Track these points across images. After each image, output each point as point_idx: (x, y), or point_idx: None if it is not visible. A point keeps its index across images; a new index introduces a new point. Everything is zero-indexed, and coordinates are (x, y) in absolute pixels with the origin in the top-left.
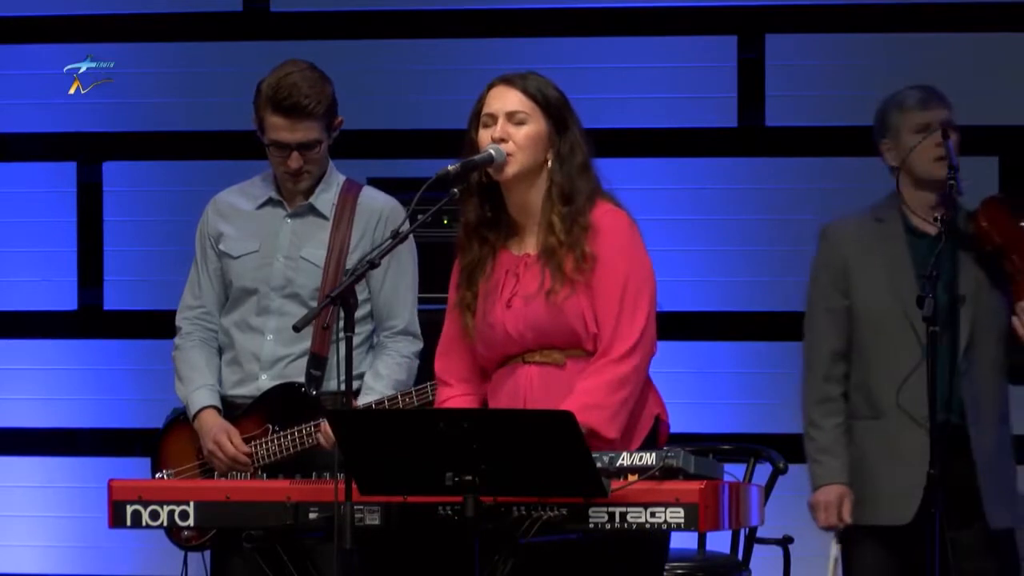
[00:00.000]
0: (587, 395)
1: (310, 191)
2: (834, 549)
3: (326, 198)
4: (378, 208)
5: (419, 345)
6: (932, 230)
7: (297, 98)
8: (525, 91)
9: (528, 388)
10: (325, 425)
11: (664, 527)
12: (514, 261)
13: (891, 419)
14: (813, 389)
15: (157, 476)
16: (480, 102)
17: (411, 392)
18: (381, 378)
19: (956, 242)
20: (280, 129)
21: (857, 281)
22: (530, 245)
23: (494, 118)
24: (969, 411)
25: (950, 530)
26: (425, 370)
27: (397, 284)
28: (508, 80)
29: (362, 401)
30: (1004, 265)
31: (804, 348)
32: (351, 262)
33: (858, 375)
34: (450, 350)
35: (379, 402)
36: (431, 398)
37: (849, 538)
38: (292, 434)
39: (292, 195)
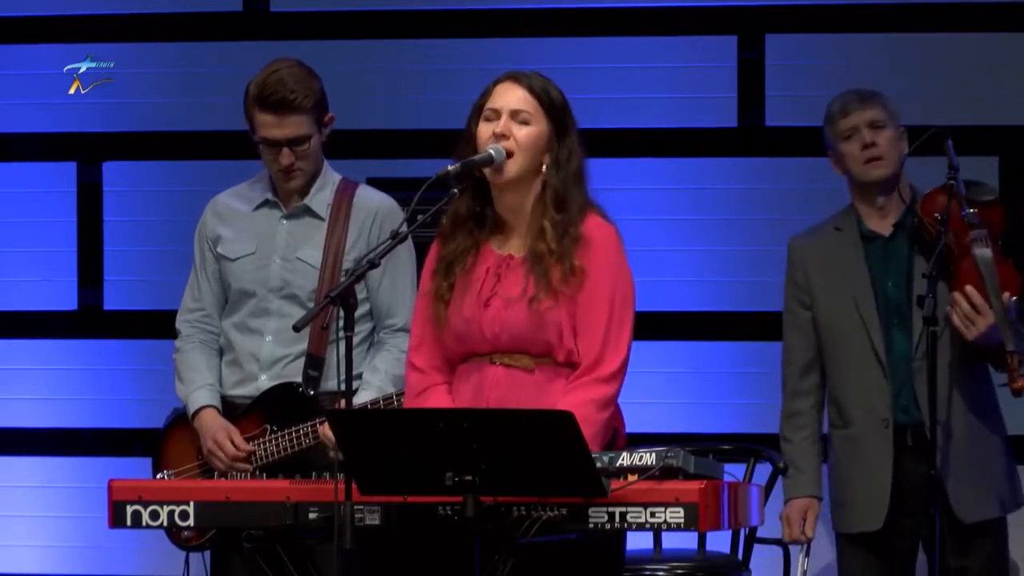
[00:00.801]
0: (577, 409)
1: (305, 191)
2: (802, 562)
3: (321, 198)
4: (373, 207)
5: None
6: (885, 232)
7: (283, 93)
8: (530, 90)
9: (493, 389)
10: (325, 427)
11: (664, 527)
12: (496, 260)
13: (856, 427)
14: (784, 405)
15: (158, 476)
16: (484, 96)
17: (404, 392)
18: (379, 372)
19: (911, 241)
20: (269, 126)
21: (817, 292)
22: (514, 246)
23: (497, 113)
24: (925, 409)
25: (924, 529)
26: None
27: (396, 282)
28: (514, 77)
29: (360, 397)
30: (945, 255)
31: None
32: (348, 262)
33: (830, 385)
34: (424, 339)
35: (374, 401)
36: None
37: (838, 545)
38: (290, 434)
39: (288, 196)
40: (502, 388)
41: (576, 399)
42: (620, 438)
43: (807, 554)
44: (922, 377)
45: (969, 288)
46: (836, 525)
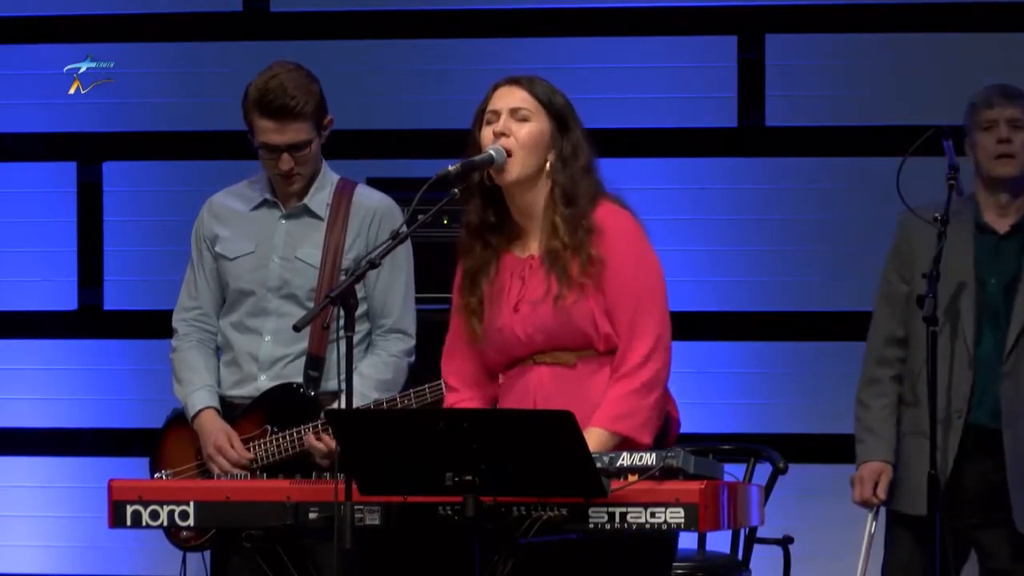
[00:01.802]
0: (616, 404)
1: (304, 191)
2: (870, 525)
3: (320, 198)
4: (372, 207)
5: (410, 342)
6: (1001, 229)
7: (284, 100)
8: (530, 91)
9: (539, 388)
10: (310, 437)
11: (664, 527)
12: (519, 264)
13: (923, 410)
14: (865, 371)
15: (155, 476)
16: (485, 101)
17: (410, 394)
18: (363, 378)
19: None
20: (269, 132)
21: (919, 270)
22: (534, 247)
23: (497, 115)
24: (1004, 412)
25: (978, 530)
26: (424, 370)
27: (391, 282)
28: (514, 80)
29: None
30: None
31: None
32: (346, 262)
33: (910, 363)
34: (455, 354)
35: (378, 403)
36: (430, 400)
37: (888, 521)
38: (290, 435)
39: (287, 196)
40: (547, 387)
41: (618, 393)
42: (674, 425)
43: (876, 516)
44: (1012, 382)
45: None
46: (888, 500)
